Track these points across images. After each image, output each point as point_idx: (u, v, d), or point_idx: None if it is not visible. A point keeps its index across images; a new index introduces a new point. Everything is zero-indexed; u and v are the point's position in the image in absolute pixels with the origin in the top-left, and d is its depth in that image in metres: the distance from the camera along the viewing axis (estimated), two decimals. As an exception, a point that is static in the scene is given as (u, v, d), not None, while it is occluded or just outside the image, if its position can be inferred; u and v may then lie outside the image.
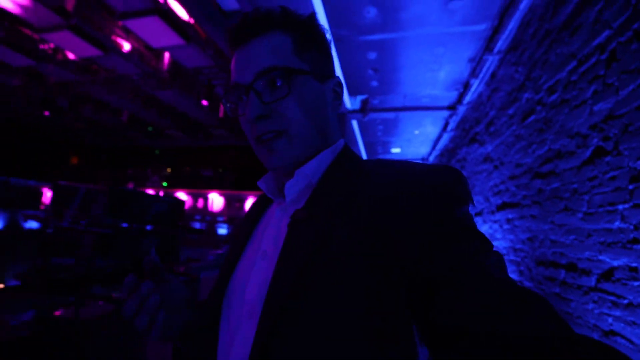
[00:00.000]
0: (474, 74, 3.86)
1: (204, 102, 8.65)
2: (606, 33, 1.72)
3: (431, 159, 8.03)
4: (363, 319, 0.37)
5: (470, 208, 0.42)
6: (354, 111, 5.22)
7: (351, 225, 0.41)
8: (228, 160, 15.78)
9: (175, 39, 6.23)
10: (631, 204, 1.55)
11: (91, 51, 6.72)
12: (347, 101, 5.03)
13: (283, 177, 0.54)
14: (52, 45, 7.19)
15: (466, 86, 4.26)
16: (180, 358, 0.55)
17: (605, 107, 1.73)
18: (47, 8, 5.59)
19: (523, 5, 2.61)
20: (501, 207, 3.31)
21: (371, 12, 3.01)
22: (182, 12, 5.79)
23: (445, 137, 6.12)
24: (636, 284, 1.53)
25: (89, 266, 1.89)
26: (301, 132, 0.49)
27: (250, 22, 0.49)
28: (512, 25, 2.85)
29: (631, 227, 1.54)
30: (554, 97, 2.27)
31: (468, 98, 4.35)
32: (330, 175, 0.49)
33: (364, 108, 5.05)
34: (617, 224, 1.64)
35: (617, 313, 1.65)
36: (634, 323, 1.54)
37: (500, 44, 3.11)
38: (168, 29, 5.87)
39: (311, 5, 2.90)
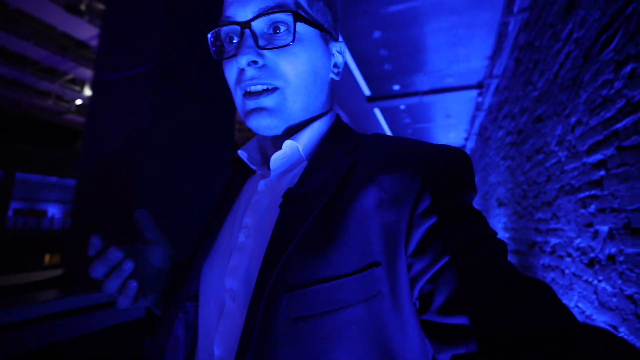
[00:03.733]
0: (467, 139, 7.02)
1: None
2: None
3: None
4: (364, 309, 0.33)
5: (473, 194, 0.38)
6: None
7: (346, 211, 0.36)
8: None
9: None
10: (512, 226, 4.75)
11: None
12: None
13: (268, 147, 0.47)
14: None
15: (465, 141, 7.42)
16: (154, 327, 0.46)
17: (495, 180, 4.93)
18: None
19: (477, 122, 5.78)
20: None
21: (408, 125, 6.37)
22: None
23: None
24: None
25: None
26: (298, 94, 0.41)
27: None
28: (471, 143, 6.03)
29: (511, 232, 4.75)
30: (477, 176, 5.44)
31: (468, 146, 7.50)
32: (325, 149, 0.43)
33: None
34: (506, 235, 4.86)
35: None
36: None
37: (469, 145, 6.29)
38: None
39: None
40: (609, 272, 1.60)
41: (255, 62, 0.40)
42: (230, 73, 0.42)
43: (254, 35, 0.39)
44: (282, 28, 0.40)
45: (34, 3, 7.17)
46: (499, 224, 4.31)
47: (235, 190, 0.51)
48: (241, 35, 0.40)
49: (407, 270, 0.34)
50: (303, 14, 0.41)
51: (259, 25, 0.40)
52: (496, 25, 3.39)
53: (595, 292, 1.73)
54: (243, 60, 0.39)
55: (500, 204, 4.25)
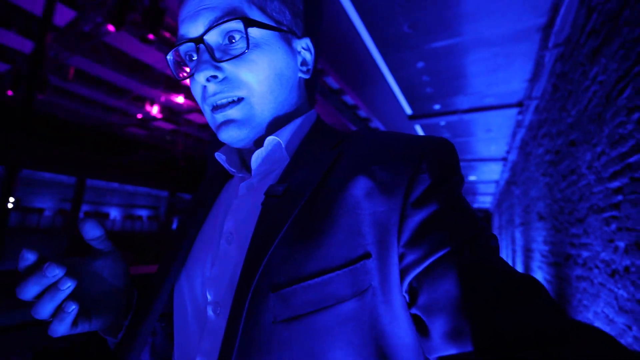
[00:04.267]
0: (508, 152, 7.14)
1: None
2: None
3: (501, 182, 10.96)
4: (356, 304, 0.31)
5: (462, 182, 0.37)
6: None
7: (333, 202, 0.34)
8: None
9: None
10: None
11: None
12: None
13: (246, 149, 0.46)
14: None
15: (507, 154, 7.53)
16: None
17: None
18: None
19: (518, 137, 5.94)
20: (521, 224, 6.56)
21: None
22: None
23: (503, 177, 9.23)
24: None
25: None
26: (264, 100, 0.41)
27: None
28: (512, 155, 6.19)
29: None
30: (519, 189, 5.59)
31: (510, 158, 7.59)
32: (307, 146, 0.42)
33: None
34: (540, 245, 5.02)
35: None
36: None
37: (511, 157, 6.43)
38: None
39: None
40: (625, 281, 1.89)
41: (215, 77, 0.39)
42: (196, 91, 0.42)
43: (208, 49, 0.39)
44: (237, 36, 0.39)
45: (117, 36, 8.37)
46: (539, 237, 4.50)
47: (212, 196, 0.48)
48: (197, 52, 0.39)
49: (399, 261, 0.33)
50: (257, 17, 0.40)
51: (213, 38, 0.39)
52: (534, 55, 3.70)
53: (616, 299, 2.02)
54: (201, 77, 0.38)
55: (541, 218, 4.44)
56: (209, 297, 0.38)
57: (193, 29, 0.39)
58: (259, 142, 0.43)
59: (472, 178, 11.50)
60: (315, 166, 0.38)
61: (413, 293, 0.32)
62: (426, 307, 0.31)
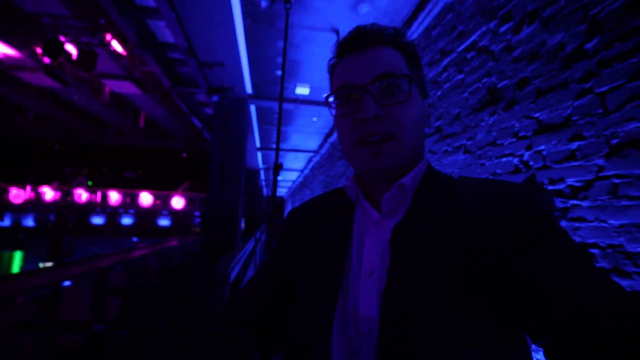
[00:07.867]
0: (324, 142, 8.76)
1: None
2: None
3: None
4: (470, 336, 0.38)
5: (560, 231, 0.42)
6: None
7: (453, 243, 0.42)
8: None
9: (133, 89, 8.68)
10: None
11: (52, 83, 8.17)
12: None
13: (372, 185, 0.54)
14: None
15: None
16: None
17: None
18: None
19: (310, 165, 10.56)
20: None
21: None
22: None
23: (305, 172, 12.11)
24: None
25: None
26: (409, 140, 0.50)
27: (366, 33, 0.52)
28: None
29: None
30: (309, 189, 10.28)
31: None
32: (426, 190, 0.50)
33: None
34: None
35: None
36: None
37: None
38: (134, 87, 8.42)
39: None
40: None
41: (377, 116, 0.48)
42: (346, 127, 0.51)
43: (372, 95, 0.48)
44: (397, 88, 0.49)
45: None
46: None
47: (345, 228, 0.54)
48: (362, 95, 0.49)
49: (513, 295, 0.38)
50: (414, 76, 0.51)
51: (375, 87, 0.49)
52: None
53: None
54: (368, 114, 0.47)
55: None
56: (362, 323, 0.45)
57: (360, 77, 0.49)
58: (385, 183, 0.52)
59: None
60: (436, 211, 0.46)
61: (533, 330, 0.37)
62: (540, 326, 0.36)
